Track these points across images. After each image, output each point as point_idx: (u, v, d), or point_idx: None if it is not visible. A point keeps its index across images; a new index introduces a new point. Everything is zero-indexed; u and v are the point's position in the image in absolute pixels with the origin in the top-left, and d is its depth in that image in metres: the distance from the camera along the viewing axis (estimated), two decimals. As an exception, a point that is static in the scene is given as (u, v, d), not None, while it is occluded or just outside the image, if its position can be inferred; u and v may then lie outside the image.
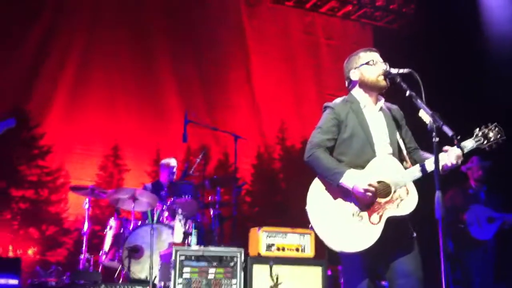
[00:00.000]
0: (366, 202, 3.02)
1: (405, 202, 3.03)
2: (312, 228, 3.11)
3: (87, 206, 5.85)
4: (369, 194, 2.98)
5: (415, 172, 3.07)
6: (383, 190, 3.05)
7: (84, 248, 5.63)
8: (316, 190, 3.15)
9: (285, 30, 9.41)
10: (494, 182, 5.87)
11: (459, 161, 3.07)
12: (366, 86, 3.28)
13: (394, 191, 3.05)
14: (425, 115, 2.94)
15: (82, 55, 7.97)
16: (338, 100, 3.35)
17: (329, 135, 3.20)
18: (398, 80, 3.13)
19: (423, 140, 3.20)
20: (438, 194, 2.75)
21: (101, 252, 5.81)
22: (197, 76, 8.67)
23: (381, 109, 3.32)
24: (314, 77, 9.38)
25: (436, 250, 2.73)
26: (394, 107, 3.41)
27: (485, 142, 3.09)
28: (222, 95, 8.77)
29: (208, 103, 8.61)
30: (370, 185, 2.98)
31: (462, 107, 6.82)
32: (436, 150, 2.85)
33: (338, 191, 3.07)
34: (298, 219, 4.83)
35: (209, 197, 6.39)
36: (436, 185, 2.78)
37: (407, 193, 3.05)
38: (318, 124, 3.29)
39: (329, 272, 5.30)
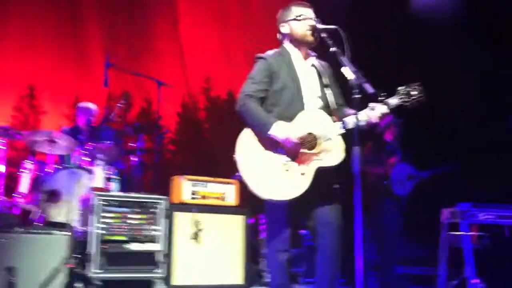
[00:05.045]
0: (294, 153, 3.12)
1: (331, 154, 3.15)
2: (239, 176, 3.17)
3: (4, 148, 5.61)
4: (294, 146, 3.07)
5: (339, 126, 3.18)
6: (311, 142, 3.15)
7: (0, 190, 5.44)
8: (246, 139, 3.19)
9: (216, -23, 9.24)
10: (406, 141, 6.18)
11: (383, 118, 3.22)
12: (295, 41, 3.36)
13: (321, 143, 3.15)
14: (348, 72, 3.04)
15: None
16: (270, 52, 3.40)
17: (261, 85, 3.25)
18: (323, 35, 3.20)
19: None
20: (356, 149, 2.90)
21: (17, 194, 5.63)
22: (121, 21, 8.42)
23: (312, 64, 3.40)
24: (243, 28, 9.33)
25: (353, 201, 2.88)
26: (324, 63, 3.48)
27: (408, 99, 3.23)
28: (147, 41, 8.57)
29: (132, 49, 8.39)
30: (297, 138, 3.08)
31: (388, 67, 7.01)
32: (356, 106, 2.99)
33: (268, 141, 3.12)
34: (223, 169, 4.94)
35: (131, 144, 6.30)
36: (354, 141, 2.93)
37: (334, 146, 3.16)
38: (250, 74, 3.32)
39: (251, 220, 5.47)
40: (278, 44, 3.48)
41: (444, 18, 6.66)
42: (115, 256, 4.45)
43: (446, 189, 6.16)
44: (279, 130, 3.08)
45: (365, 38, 6.61)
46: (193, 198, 4.87)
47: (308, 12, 3.35)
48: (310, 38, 3.30)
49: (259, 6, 9.39)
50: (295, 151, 3.11)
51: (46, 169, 5.55)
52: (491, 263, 5.13)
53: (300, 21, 3.31)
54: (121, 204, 4.59)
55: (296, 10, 3.35)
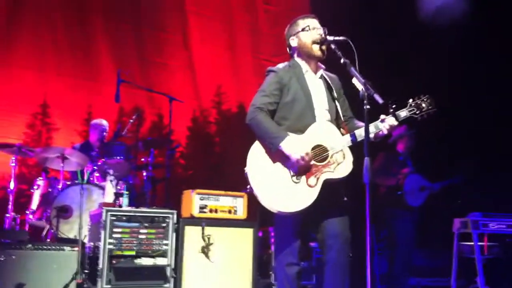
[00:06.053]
0: (303, 168, 3.11)
1: (341, 166, 3.15)
2: (250, 189, 3.17)
3: (13, 164, 5.66)
4: (303, 163, 3.07)
5: (349, 139, 3.19)
6: (321, 154, 3.16)
7: (10, 207, 5.46)
8: (257, 152, 3.20)
9: (224, -8, 9.27)
10: (418, 152, 6.13)
11: (393, 130, 3.22)
12: (304, 53, 3.38)
13: (331, 156, 3.15)
14: (357, 83, 3.03)
15: (11, 10, 7.54)
16: (281, 65, 3.43)
17: (271, 98, 3.27)
18: (333, 47, 3.21)
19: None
20: (366, 160, 2.87)
21: (28, 211, 5.66)
22: (132, 36, 8.43)
23: (321, 76, 3.41)
24: (251, 42, 9.32)
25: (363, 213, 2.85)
26: (333, 76, 3.50)
27: (418, 112, 3.24)
28: (158, 57, 8.59)
29: (143, 64, 8.42)
30: (306, 154, 3.07)
31: (395, 76, 6.97)
32: (366, 117, 2.96)
33: (278, 154, 3.13)
34: (233, 183, 4.91)
35: (142, 159, 6.31)
36: (365, 151, 2.90)
37: (343, 158, 3.17)
38: (261, 87, 3.35)
39: (260, 234, 5.42)
40: (288, 57, 3.51)
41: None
42: (124, 271, 4.44)
43: (458, 199, 6.09)
44: (288, 144, 3.08)
45: (372, 46, 6.61)
46: (203, 212, 4.84)
47: (314, 23, 3.39)
48: (318, 49, 3.31)
49: (268, 20, 9.41)
50: (301, 165, 3.10)
51: (58, 186, 5.58)
52: (502, 272, 5.05)
53: (309, 31, 3.34)
54: (131, 219, 4.58)
55: (303, 22, 3.40)
